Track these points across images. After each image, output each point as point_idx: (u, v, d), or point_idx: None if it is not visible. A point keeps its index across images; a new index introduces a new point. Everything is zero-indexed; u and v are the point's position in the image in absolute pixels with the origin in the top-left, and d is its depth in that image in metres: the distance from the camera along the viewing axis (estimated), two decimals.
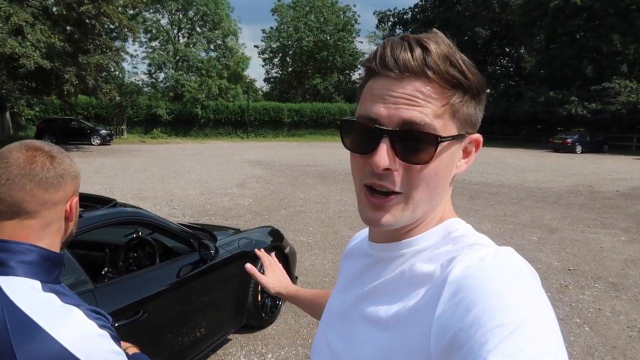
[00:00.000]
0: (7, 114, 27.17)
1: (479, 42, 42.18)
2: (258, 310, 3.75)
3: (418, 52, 0.61)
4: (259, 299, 3.77)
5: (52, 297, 0.86)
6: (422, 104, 0.61)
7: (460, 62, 0.62)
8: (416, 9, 49.59)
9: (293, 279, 4.37)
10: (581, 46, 32.76)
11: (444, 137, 0.62)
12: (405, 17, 50.63)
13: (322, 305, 0.95)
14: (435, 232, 0.68)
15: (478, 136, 0.68)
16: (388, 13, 51.71)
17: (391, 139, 0.61)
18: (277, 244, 4.07)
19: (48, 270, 0.91)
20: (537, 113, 34.32)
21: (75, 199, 0.98)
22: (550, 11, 33.43)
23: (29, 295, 0.84)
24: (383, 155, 0.61)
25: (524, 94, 35.79)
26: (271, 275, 1.20)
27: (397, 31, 51.96)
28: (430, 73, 0.61)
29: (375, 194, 0.64)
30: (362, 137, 0.64)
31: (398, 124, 0.61)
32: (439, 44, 0.62)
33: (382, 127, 0.62)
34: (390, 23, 52.06)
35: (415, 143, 0.61)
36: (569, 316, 4.35)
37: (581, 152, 27.44)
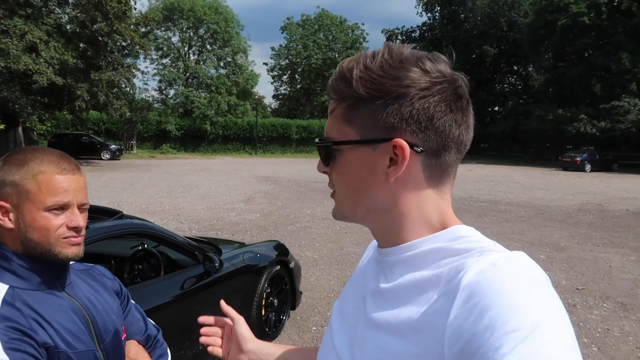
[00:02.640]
0: (20, 129, 27.57)
1: (487, 60, 42.37)
2: (261, 325, 3.74)
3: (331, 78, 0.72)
4: (263, 313, 3.76)
5: None
6: (329, 118, 0.72)
7: (354, 73, 0.66)
8: (424, 27, 50.02)
9: (297, 294, 4.36)
10: (590, 64, 32.75)
11: (324, 141, 0.71)
12: (413, 35, 51.02)
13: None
14: (439, 237, 0.67)
15: (398, 140, 0.64)
16: (396, 31, 52.15)
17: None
18: (282, 258, 4.07)
19: None
20: (545, 131, 34.23)
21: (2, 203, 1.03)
22: (558, 30, 33.53)
23: None
24: (319, 161, 0.74)
25: (532, 112, 35.75)
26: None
27: None
28: (328, 91, 0.71)
29: None
30: None
31: None
32: (345, 64, 0.69)
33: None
34: (398, 41, 52.39)
35: (320, 149, 0.72)
36: (577, 336, 4.26)
37: (590, 171, 27.22)
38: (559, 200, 13.49)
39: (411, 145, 0.64)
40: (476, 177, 20.69)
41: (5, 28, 18.47)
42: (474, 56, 42.81)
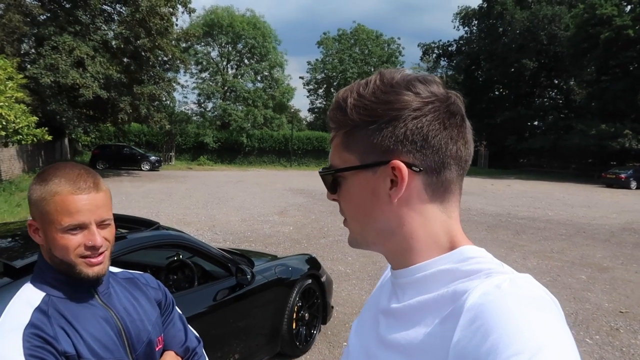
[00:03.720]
0: (66, 140, 28.81)
1: (526, 74, 41.46)
2: (292, 339, 3.74)
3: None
4: (294, 327, 3.77)
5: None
6: (331, 147, 0.75)
7: (348, 102, 0.69)
8: (461, 41, 49.55)
9: (329, 308, 4.35)
10: (635, 78, 31.60)
11: (326, 170, 0.73)
12: (449, 49, 50.65)
13: None
14: (448, 258, 0.67)
15: (395, 162, 0.65)
16: (432, 45, 51.89)
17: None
18: (313, 272, 4.07)
19: None
20: (588, 146, 33.13)
21: (30, 222, 1.11)
22: (601, 43, 32.55)
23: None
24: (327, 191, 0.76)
25: (573, 127, 34.70)
26: None
27: (442, 63, 51.96)
28: (327, 122, 0.74)
29: None
30: None
31: None
32: (341, 94, 0.72)
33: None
34: (434, 55, 52.17)
35: (325, 178, 0.75)
36: None
37: (636, 188, 26.08)
38: (602, 219, 12.99)
39: (409, 166, 0.66)
40: (514, 193, 20.20)
41: (55, 44, 19.43)
42: (512, 70, 41.98)
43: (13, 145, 13.60)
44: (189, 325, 1.42)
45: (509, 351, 0.50)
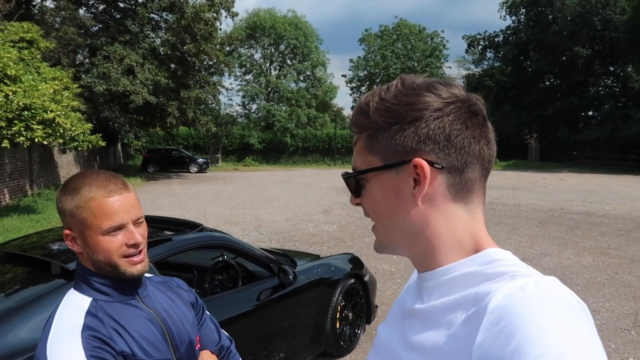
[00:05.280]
0: (119, 145, 30.04)
1: (579, 62, 39.58)
2: (336, 338, 3.75)
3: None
4: (338, 327, 3.78)
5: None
6: (354, 151, 0.75)
7: (370, 105, 0.70)
8: (508, 31, 47.91)
9: (373, 307, 4.33)
10: None
11: (349, 174, 0.74)
12: (496, 40, 49.09)
13: None
14: (473, 260, 0.67)
15: (417, 160, 0.66)
16: (478, 37, 50.46)
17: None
18: (356, 271, 4.07)
19: None
20: None
21: (66, 232, 1.13)
22: None
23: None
24: (350, 195, 0.77)
25: (632, 116, 32.88)
26: None
27: (488, 54, 50.48)
28: (350, 126, 0.75)
29: None
30: None
31: None
32: (363, 99, 0.72)
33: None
34: (480, 47, 50.74)
35: (349, 182, 0.76)
36: None
37: None
38: None
39: (431, 163, 0.66)
40: (568, 187, 19.38)
41: (107, 54, 20.30)
42: (563, 59, 40.16)
43: (70, 151, 14.29)
44: (219, 326, 1.47)
45: (532, 353, 0.49)
